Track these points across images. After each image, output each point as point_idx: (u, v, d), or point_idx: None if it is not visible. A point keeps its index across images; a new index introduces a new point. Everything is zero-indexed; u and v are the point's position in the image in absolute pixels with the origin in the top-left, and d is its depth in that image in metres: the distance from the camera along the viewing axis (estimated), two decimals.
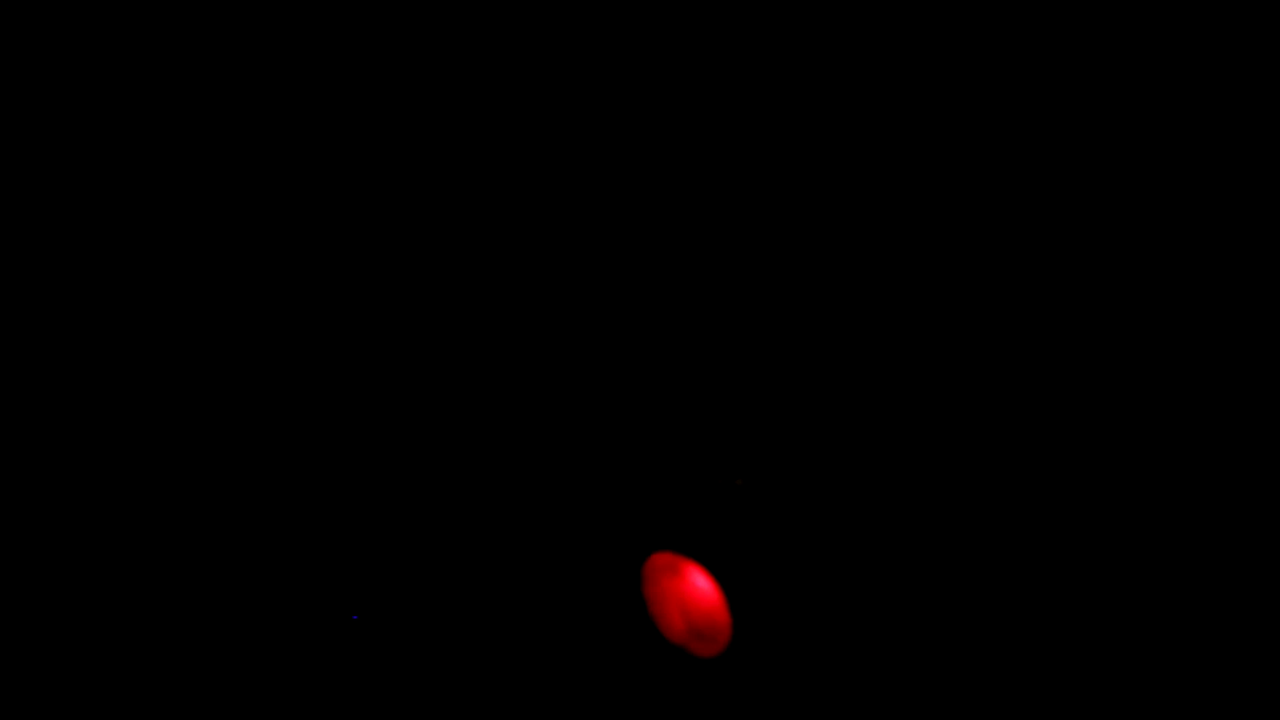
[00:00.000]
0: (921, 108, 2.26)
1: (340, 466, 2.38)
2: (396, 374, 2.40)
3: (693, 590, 2.14)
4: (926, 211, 2.27)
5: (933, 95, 2.26)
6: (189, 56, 2.35)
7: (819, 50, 2.30)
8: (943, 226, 2.26)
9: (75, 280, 2.34)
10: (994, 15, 2.20)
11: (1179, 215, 2.14)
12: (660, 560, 2.17)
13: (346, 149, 2.39)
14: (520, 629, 2.29)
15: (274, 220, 2.39)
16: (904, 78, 2.27)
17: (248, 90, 2.36)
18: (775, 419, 2.35)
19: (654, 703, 2.24)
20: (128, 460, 2.33)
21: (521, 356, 2.41)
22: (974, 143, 2.24)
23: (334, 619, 2.28)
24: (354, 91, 2.38)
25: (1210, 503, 2.12)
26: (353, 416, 2.39)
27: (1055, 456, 2.22)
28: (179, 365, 2.36)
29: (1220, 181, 2.11)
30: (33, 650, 2.22)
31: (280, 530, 2.34)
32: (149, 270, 2.36)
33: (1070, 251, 2.20)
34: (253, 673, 2.23)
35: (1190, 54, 2.11)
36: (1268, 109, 2.06)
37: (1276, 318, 2.08)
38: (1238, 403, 2.11)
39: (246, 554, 2.33)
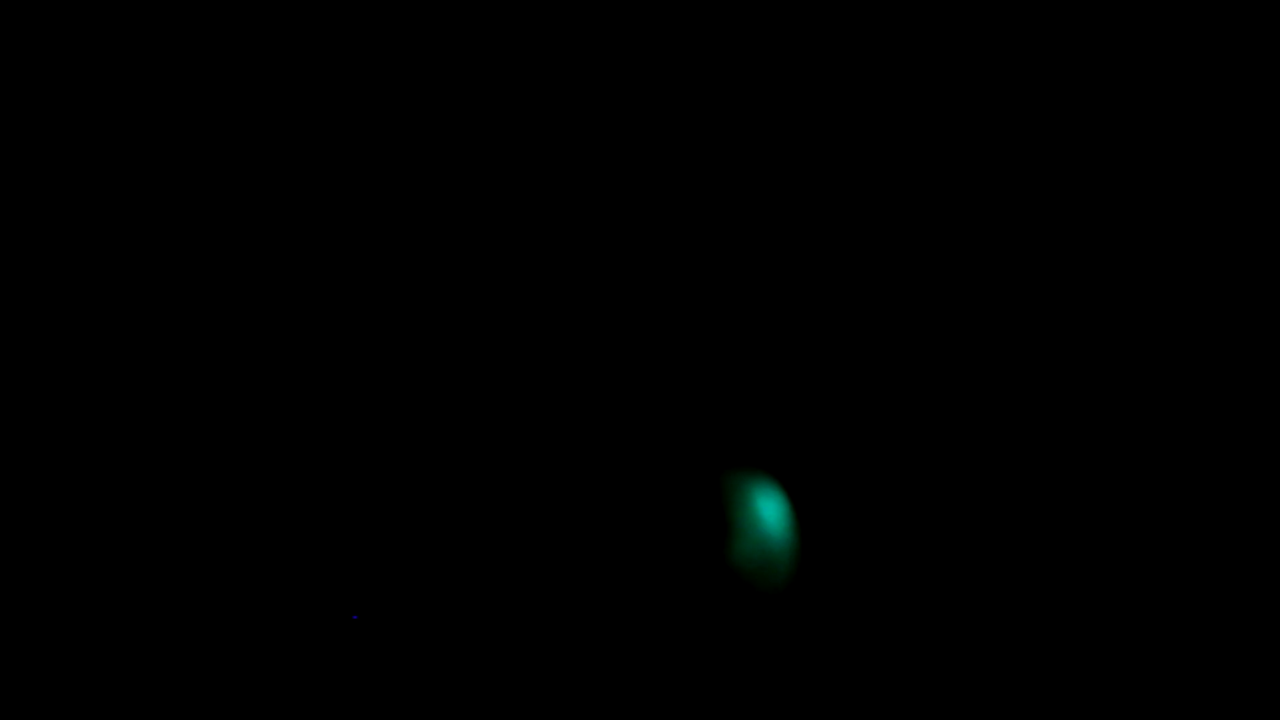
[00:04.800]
0: (921, 107, 2.27)
1: (339, 466, 2.38)
2: (395, 373, 2.40)
3: None
4: (926, 210, 2.27)
5: (933, 95, 2.26)
6: (189, 56, 2.35)
7: (819, 50, 2.30)
8: (942, 226, 2.26)
9: (75, 280, 2.34)
10: (994, 15, 2.21)
11: (1179, 215, 2.15)
12: None
13: (346, 148, 2.39)
14: (521, 628, 2.29)
15: (273, 220, 2.39)
16: (904, 77, 2.27)
17: (248, 90, 2.36)
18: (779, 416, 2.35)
19: (653, 702, 2.24)
20: (127, 460, 2.33)
21: (522, 353, 2.41)
22: (974, 142, 2.25)
23: (334, 619, 2.28)
24: (354, 91, 2.38)
25: (1210, 503, 2.12)
26: (352, 416, 2.39)
27: (1053, 452, 2.23)
28: (178, 365, 2.36)
29: (1220, 182, 2.12)
30: (32, 650, 2.22)
31: (280, 530, 2.34)
32: (149, 270, 2.36)
33: (1070, 251, 2.21)
34: (253, 673, 2.23)
35: (1190, 54, 2.11)
36: (1268, 109, 2.07)
37: (1276, 318, 2.08)
38: (1238, 403, 2.11)
39: (247, 554, 2.33)
